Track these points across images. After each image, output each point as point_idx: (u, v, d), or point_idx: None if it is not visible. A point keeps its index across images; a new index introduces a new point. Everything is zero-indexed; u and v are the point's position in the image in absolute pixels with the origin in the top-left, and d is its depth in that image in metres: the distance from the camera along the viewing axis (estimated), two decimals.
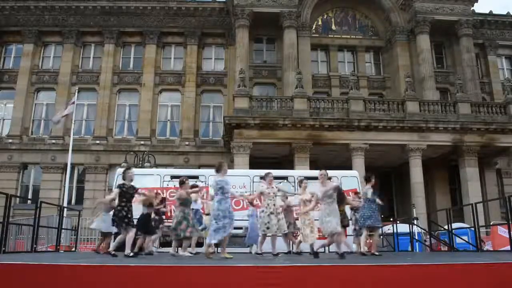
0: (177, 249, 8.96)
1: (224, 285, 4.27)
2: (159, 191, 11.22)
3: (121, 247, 8.04)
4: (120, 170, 14.36)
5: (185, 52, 27.07)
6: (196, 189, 9.06)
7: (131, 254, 7.64)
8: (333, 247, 9.54)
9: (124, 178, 8.07)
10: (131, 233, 7.78)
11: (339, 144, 20.64)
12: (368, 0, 26.79)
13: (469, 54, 25.53)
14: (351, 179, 13.21)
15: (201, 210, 10.03)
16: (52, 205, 13.46)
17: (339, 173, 12.90)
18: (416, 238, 13.82)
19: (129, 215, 7.74)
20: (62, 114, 20.25)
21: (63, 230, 12.57)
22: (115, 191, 8.11)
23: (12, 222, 11.09)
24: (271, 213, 8.20)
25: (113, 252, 7.72)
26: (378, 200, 9.02)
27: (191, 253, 8.80)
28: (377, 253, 8.92)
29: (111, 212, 10.66)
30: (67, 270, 4.52)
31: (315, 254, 7.37)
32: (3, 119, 26.08)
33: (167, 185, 12.84)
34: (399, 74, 25.49)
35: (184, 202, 8.48)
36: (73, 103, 20.50)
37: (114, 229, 10.62)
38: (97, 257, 7.63)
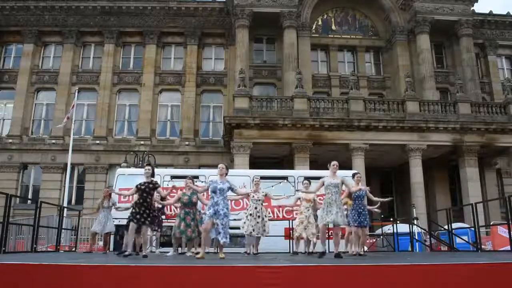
0: (178, 249, 8.99)
1: (223, 285, 4.27)
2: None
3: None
4: (120, 170, 14.41)
5: (185, 52, 27.06)
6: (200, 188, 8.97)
7: (127, 253, 7.56)
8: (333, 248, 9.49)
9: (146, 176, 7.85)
10: (132, 230, 7.71)
11: (339, 144, 20.64)
12: (368, 0, 26.80)
13: (469, 54, 25.53)
14: (351, 179, 13.18)
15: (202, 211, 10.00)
16: (52, 205, 13.48)
17: (339, 173, 12.87)
18: (416, 238, 13.82)
19: (141, 211, 7.47)
20: (65, 119, 20.37)
21: (63, 230, 12.58)
22: (133, 189, 7.96)
23: (12, 222, 11.09)
24: (250, 214, 9.17)
25: (127, 252, 7.56)
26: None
27: (193, 253, 8.82)
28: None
29: (111, 212, 10.70)
30: (67, 270, 4.51)
31: (321, 254, 7.33)
32: (3, 119, 26.06)
33: (167, 185, 12.83)
34: (399, 74, 25.50)
35: (184, 203, 8.48)
36: (73, 107, 20.68)
37: (109, 229, 10.64)
38: (97, 257, 7.63)
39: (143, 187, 7.65)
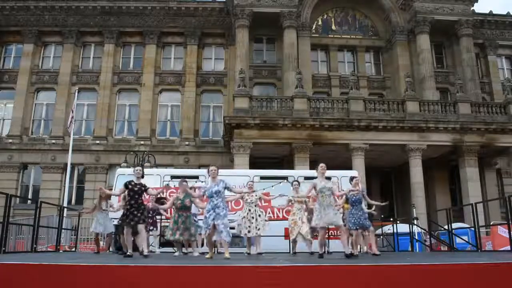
0: (182, 249, 9.02)
1: (224, 285, 4.27)
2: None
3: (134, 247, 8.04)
4: (120, 170, 14.40)
5: (185, 52, 27.07)
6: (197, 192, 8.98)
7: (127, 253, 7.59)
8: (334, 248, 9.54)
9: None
10: (128, 233, 7.73)
11: (339, 144, 20.64)
12: (368, 0, 26.80)
13: (469, 54, 25.52)
14: (348, 182, 13.19)
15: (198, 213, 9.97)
16: (52, 205, 13.48)
17: (339, 173, 12.88)
18: (416, 238, 13.82)
19: (129, 213, 7.53)
20: (70, 119, 20.41)
21: (63, 230, 12.57)
22: (121, 188, 8.03)
23: (12, 222, 11.09)
24: (244, 217, 9.43)
25: (129, 253, 7.60)
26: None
27: (183, 253, 8.85)
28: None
29: (109, 212, 10.69)
30: (67, 270, 4.51)
31: (320, 256, 7.35)
32: (3, 119, 26.06)
33: (167, 185, 12.82)
34: (399, 74, 25.49)
35: (178, 207, 8.46)
36: (73, 111, 20.70)
37: (110, 230, 10.66)
38: (97, 257, 7.63)
39: (135, 188, 7.67)
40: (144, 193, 7.91)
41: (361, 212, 8.83)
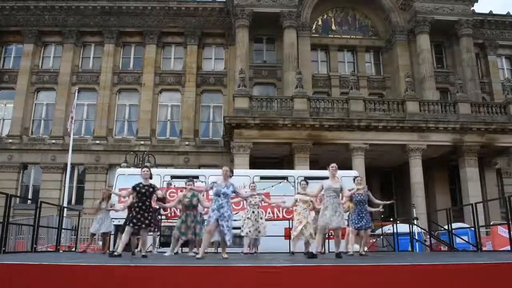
0: (179, 250, 9.00)
1: (224, 285, 4.27)
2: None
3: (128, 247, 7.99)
4: (120, 170, 14.41)
5: (185, 52, 27.07)
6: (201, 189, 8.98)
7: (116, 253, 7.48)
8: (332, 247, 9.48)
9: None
10: (127, 232, 7.68)
11: (339, 144, 20.64)
12: (368, 0, 26.80)
13: (469, 54, 25.53)
14: (351, 179, 13.17)
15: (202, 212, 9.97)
16: (52, 205, 13.47)
17: (339, 173, 12.85)
18: (416, 238, 13.81)
19: (139, 216, 7.37)
20: (69, 119, 20.42)
21: (63, 230, 12.57)
22: (129, 190, 7.90)
23: (12, 222, 11.08)
24: (248, 218, 9.75)
25: (116, 253, 7.48)
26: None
27: (195, 253, 8.83)
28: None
29: (110, 213, 10.70)
30: (67, 270, 4.51)
31: (311, 255, 7.33)
32: (3, 119, 26.06)
33: (170, 184, 12.82)
34: (399, 74, 25.50)
35: (186, 205, 8.48)
36: (72, 111, 20.71)
37: (107, 229, 10.63)
38: (97, 257, 7.62)
39: (143, 190, 7.50)
40: (153, 194, 7.73)
41: (364, 213, 8.88)
